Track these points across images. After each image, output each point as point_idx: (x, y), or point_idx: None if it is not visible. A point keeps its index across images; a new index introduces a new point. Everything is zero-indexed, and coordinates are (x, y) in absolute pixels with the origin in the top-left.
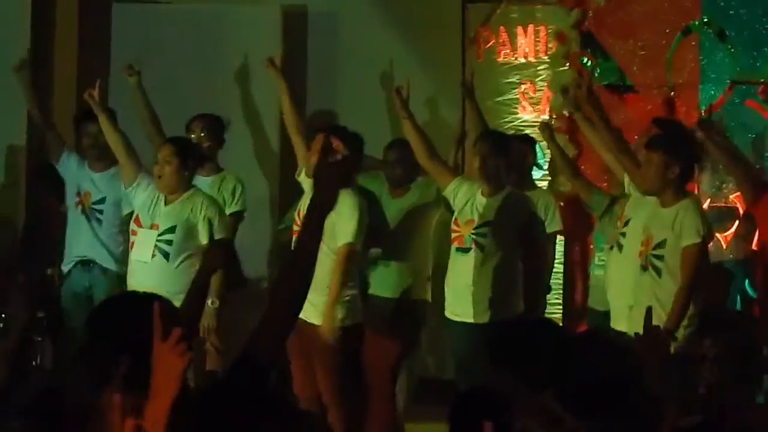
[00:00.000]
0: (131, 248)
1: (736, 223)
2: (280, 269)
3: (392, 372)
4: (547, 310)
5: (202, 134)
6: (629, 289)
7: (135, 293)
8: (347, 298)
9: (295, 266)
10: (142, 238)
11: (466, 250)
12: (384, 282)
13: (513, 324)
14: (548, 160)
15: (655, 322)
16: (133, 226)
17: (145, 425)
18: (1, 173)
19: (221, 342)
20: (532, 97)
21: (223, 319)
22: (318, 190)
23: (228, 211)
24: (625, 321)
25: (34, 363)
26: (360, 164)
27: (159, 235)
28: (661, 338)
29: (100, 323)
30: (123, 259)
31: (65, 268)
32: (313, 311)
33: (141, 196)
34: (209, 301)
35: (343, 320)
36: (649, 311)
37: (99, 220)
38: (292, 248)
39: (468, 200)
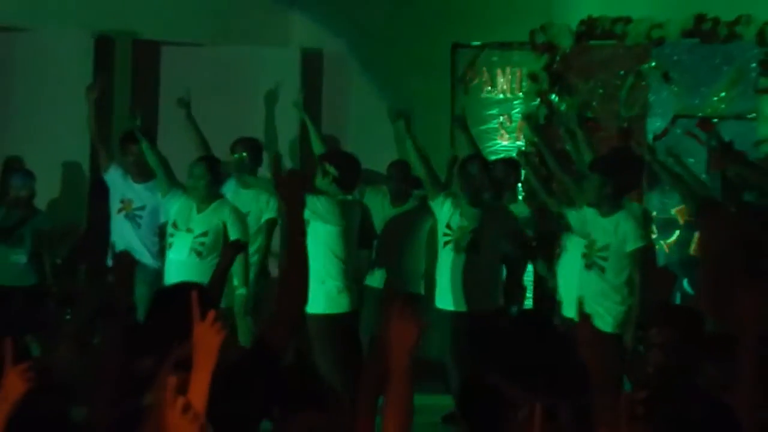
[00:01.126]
0: (169, 248)
1: (677, 232)
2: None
3: (410, 354)
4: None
5: (244, 154)
6: (575, 283)
7: (182, 284)
8: (332, 286)
9: (292, 259)
10: (179, 239)
11: (459, 250)
12: (380, 277)
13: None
14: (524, 180)
15: (598, 311)
16: (170, 229)
17: (190, 399)
18: (71, 186)
19: (254, 324)
20: (508, 127)
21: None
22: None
23: (264, 218)
24: (573, 309)
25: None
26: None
27: (194, 238)
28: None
29: (158, 311)
30: (158, 256)
31: (110, 263)
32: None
33: (176, 204)
34: (241, 290)
35: (325, 309)
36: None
37: (138, 224)
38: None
39: (456, 210)
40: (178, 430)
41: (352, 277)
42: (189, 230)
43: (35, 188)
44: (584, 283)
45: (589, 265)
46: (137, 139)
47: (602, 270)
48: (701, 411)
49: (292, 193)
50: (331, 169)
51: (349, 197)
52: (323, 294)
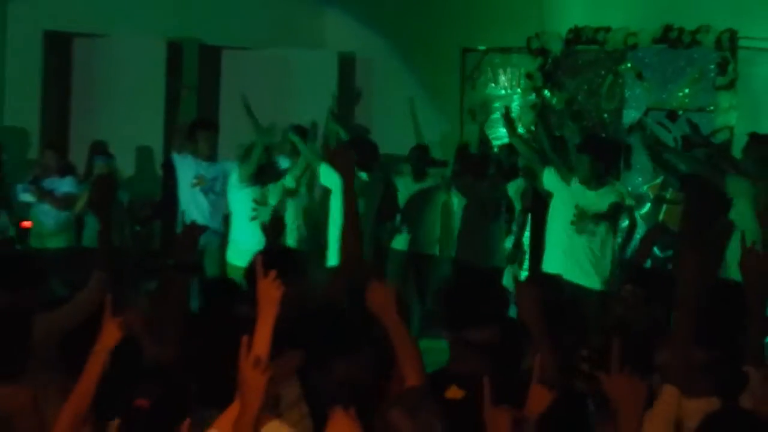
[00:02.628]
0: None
1: (648, 204)
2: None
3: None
4: None
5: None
6: (561, 247)
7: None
8: None
9: (347, 224)
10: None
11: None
12: (403, 240)
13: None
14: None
15: (588, 270)
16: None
17: (255, 346)
18: (145, 166)
19: None
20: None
21: None
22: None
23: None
24: (557, 265)
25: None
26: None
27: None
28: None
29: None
30: (223, 221)
31: (180, 228)
32: None
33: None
34: None
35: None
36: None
37: (211, 194)
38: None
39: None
40: (249, 381)
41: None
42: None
43: (116, 167)
44: (575, 246)
45: (580, 230)
46: (207, 126)
47: (592, 234)
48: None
49: (345, 163)
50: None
51: (364, 176)
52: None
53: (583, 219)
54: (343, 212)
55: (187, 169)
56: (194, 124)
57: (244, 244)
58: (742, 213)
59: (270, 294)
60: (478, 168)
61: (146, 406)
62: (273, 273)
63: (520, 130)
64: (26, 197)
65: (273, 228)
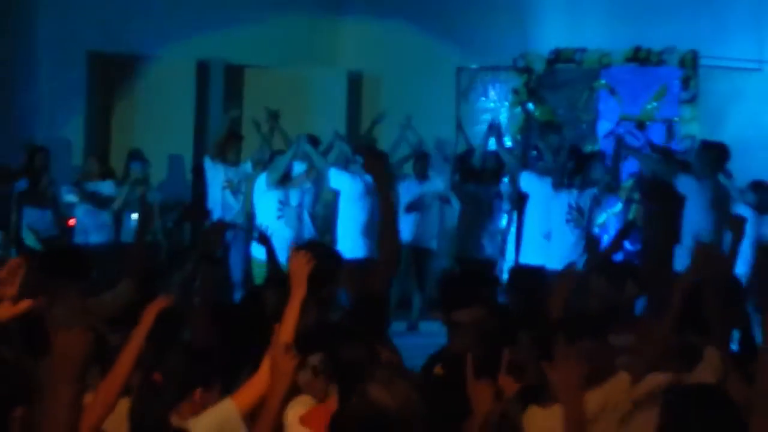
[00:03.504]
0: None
1: (620, 204)
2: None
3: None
4: None
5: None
6: (542, 239)
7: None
8: None
9: (386, 221)
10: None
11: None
12: (405, 235)
13: None
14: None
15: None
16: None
17: (282, 333)
18: (177, 171)
19: None
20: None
21: None
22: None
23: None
24: (538, 256)
25: None
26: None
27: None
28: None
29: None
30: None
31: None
32: None
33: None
34: None
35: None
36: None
37: (237, 195)
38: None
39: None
40: (280, 366)
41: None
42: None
43: (149, 172)
44: (564, 236)
45: (568, 221)
46: (237, 138)
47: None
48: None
49: (379, 168)
50: (358, 159)
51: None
52: None
53: (579, 216)
54: (381, 211)
55: (217, 173)
56: (228, 136)
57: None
58: (690, 207)
59: (301, 269)
60: (476, 175)
61: (159, 380)
62: (303, 251)
63: (507, 139)
64: (70, 198)
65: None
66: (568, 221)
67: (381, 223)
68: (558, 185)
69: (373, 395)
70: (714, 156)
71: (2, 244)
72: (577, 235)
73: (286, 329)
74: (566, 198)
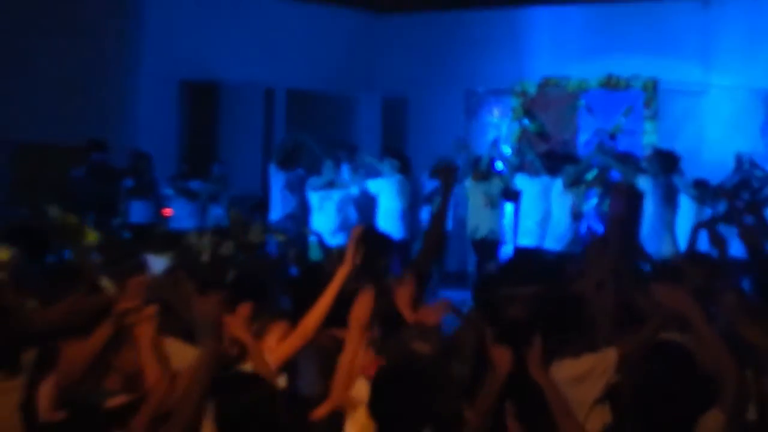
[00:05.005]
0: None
1: (595, 199)
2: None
3: None
4: None
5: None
6: (537, 224)
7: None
8: None
9: (439, 218)
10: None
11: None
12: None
13: None
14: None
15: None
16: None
17: (331, 285)
18: (252, 174)
19: None
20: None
21: None
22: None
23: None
24: (532, 238)
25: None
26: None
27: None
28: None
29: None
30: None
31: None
32: None
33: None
34: None
35: None
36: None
37: (294, 194)
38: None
39: None
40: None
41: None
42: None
43: (226, 173)
44: (560, 222)
45: (577, 217)
46: (296, 150)
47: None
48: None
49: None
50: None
51: (400, 177)
52: None
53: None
54: (439, 210)
55: (280, 177)
56: (288, 148)
57: (318, 227)
58: (647, 201)
59: (353, 246)
60: (483, 176)
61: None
62: (358, 231)
63: (506, 147)
64: (167, 192)
65: None
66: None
67: (435, 218)
68: (569, 185)
69: (412, 346)
70: (665, 160)
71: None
72: (570, 222)
73: (329, 295)
74: (569, 196)
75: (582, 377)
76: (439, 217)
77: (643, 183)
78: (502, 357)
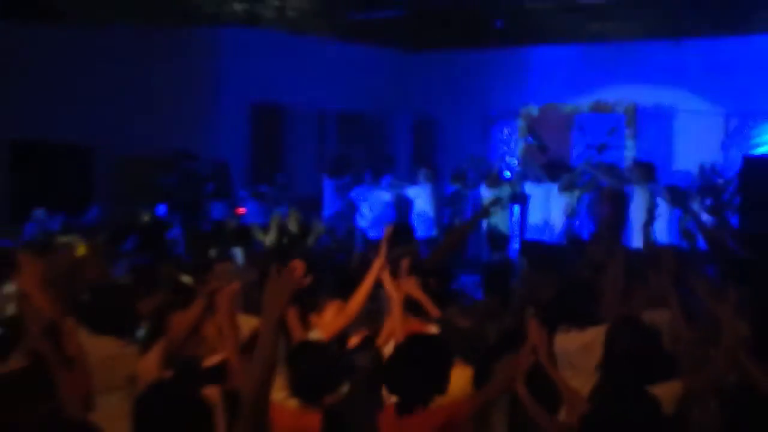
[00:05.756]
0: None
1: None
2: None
3: None
4: None
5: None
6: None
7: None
8: None
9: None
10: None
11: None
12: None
13: None
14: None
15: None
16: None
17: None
18: (308, 182)
19: None
20: (510, 152)
21: None
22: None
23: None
24: (537, 234)
25: None
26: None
27: None
28: None
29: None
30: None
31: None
32: None
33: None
34: None
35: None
36: None
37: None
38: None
39: None
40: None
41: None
42: None
43: (287, 182)
44: (556, 222)
45: (571, 215)
46: (344, 162)
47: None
48: None
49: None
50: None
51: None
52: None
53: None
54: (469, 220)
55: (330, 183)
56: (337, 160)
57: (361, 225)
58: (632, 205)
59: (385, 240)
60: (494, 182)
61: None
62: (390, 229)
63: (514, 160)
64: (242, 194)
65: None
66: (566, 215)
67: (467, 221)
68: (562, 189)
69: (453, 319)
70: (645, 170)
71: None
72: (565, 220)
73: (368, 283)
74: (563, 198)
75: (588, 346)
76: (471, 223)
77: (629, 190)
78: (537, 330)
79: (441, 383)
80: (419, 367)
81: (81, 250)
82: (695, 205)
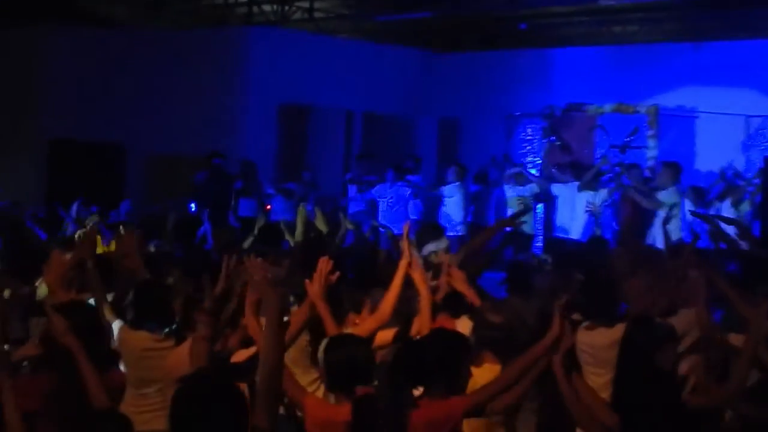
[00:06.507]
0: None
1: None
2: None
3: None
4: None
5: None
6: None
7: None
8: None
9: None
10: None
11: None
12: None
13: None
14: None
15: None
16: None
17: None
18: (333, 178)
19: None
20: (534, 151)
21: None
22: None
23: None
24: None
25: None
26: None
27: None
28: None
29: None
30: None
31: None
32: None
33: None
34: None
35: None
36: None
37: (365, 193)
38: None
39: None
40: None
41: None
42: None
43: (314, 179)
44: (580, 220)
45: (588, 210)
46: (368, 160)
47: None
48: None
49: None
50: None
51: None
52: None
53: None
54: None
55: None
56: (361, 158)
57: (385, 221)
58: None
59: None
60: (520, 181)
61: None
62: (408, 226)
63: (537, 159)
64: (269, 192)
65: None
66: (586, 210)
67: (501, 220)
68: (583, 187)
69: (486, 315)
70: (674, 169)
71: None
72: (591, 219)
73: (397, 284)
74: (585, 196)
75: (617, 342)
76: (502, 224)
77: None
78: (562, 326)
79: (456, 376)
80: (434, 359)
81: (113, 245)
82: (717, 206)
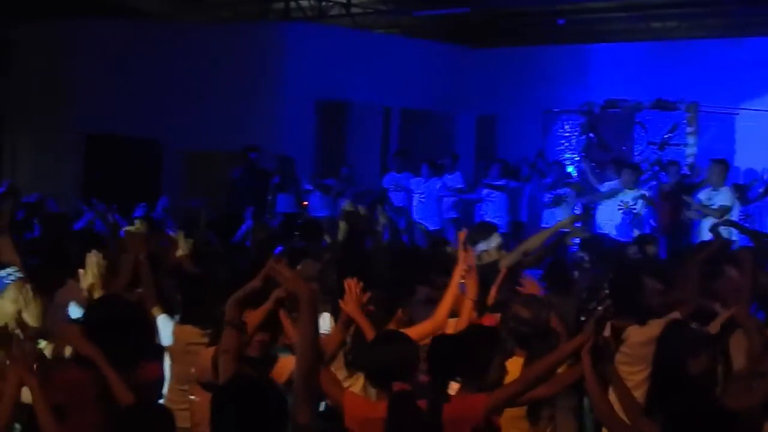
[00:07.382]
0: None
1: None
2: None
3: None
4: None
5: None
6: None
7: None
8: None
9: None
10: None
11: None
12: None
13: None
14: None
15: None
16: None
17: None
18: (371, 175)
19: None
20: (571, 148)
21: None
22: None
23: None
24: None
25: None
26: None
27: None
28: None
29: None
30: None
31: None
32: None
33: None
34: None
35: None
36: None
37: (401, 191)
38: None
39: None
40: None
41: None
42: None
43: (352, 174)
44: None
45: (620, 209)
46: (403, 156)
47: (629, 213)
48: None
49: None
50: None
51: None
52: None
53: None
54: (556, 226)
55: (391, 177)
56: (398, 155)
57: (423, 219)
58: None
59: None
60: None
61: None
62: (463, 235)
63: (575, 156)
64: (307, 187)
65: None
66: (618, 208)
67: (560, 222)
68: (625, 185)
69: (516, 310)
70: (724, 166)
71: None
72: (623, 217)
73: (452, 292)
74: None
75: (653, 339)
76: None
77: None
78: (593, 334)
79: (487, 371)
80: (465, 352)
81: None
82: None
